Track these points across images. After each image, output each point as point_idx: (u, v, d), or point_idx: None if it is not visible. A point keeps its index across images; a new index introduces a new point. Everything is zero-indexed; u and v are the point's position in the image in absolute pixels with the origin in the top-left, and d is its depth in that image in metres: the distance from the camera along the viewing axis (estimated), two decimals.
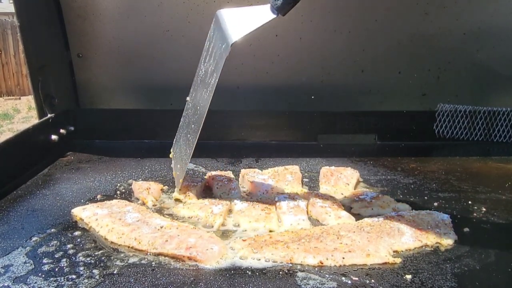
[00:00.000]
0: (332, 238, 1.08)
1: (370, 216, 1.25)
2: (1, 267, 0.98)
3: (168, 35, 1.98)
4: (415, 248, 1.08)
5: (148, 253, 1.04)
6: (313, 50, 2.03)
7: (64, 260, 1.02)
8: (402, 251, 1.07)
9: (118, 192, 1.45)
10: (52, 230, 1.17)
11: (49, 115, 1.81)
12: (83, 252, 1.05)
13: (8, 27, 8.95)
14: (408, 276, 0.96)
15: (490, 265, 1.02)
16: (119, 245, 1.08)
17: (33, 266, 0.99)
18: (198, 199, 1.36)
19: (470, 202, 1.38)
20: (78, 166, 1.70)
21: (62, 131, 1.86)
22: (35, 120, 1.80)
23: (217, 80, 1.16)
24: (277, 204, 1.28)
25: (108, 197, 1.39)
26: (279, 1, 1.09)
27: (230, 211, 1.27)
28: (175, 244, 1.04)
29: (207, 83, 1.21)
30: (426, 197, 1.42)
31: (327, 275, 0.97)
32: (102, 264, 1.00)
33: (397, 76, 2.10)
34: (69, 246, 1.08)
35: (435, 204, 1.37)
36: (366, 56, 2.05)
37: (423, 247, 1.09)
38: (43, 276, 0.95)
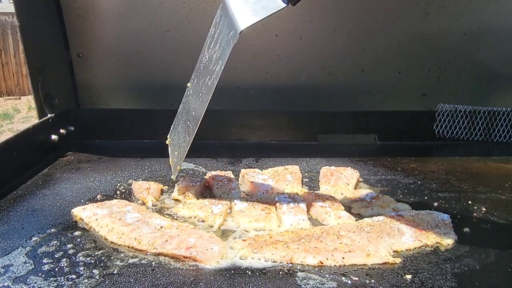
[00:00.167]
0: (332, 238, 1.08)
1: (370, 216, 1.25)
2: (1, 267, 0.98)
3: (168, 35, 1.98)
4: (415, 248, 1.08)
5: (148, 253, 1.04)
6: (313, 50, 2.03)
7: (64, 260, 1.02)
8: (402, 251, 1.07)
9: (118, 192, 1.45)
10: (52, 230, 1.17)
11: (49, 115, 1.81)
12: (83, 252, 1.05)
13: (8, 27, 8.95)
14: (408, 276, 0.96)
15: (490, 265, 1.02)
16: (119, 245, 1.08)
17: (33, 266, 0.99)
18: (198, 199, 1.36)
19: (470, 202, 1.38)
20: (78, 166, 1.70)
21: (62, 131, 1.86)
22: (35, 120, 1.80)
23: (222, 67, 1.12)
24: (277, 204, 1.28)
25: (108, 197, 1.39)
26: None
27: (230, 211, 1.27)
28: (175, 244, 1.04)
29: (212, 70, 1.18)
30: (426, 197, 1.42)
31: (327, 275, 0.97)
32: (102, 264, 1.00)
33: (397, 76, 2.10)
34: (69, 246, 1.08)
35: (435, 204, 1.37)
36: (366, 56, 2.05)
37: (423, 247, 1.09)
38: (43, 276, 0.95)
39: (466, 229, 1.18)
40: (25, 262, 1.01)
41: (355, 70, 2.08)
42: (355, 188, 1.49)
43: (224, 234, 1.16)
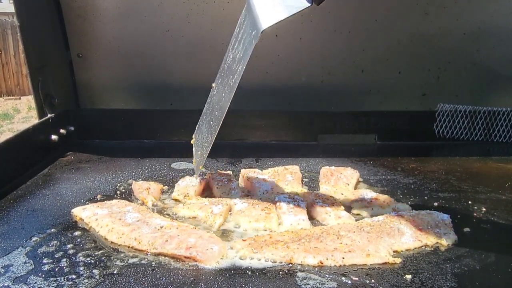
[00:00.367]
0: (332, 238, 1.08)
1: (370, 216, 1.25)
2: (1, 267, 0.98)
3: (168, 35, 1.98)
4: (415, 248, 1.08)
5: (148, 253, 1.04)
6: (313, 50, 2.03)
7: (64, 260, 1.02)
8: (402, 251, 1.07)
9: (118, 192, 1.45)
10: (52, 230, 1.17)
11: (49, 115, 1.81)
12: (83, 252, 1.05)
13: (8, 27, 8.95)
14: (408, 276, 0.96)
15: (490, 265, 1.02)
16: (119, 245, 1.08)
17: (33, 266, 0.99)
18: (198, 199, 1.36)
19: (470, 202, 1.38)
20: (78, 166, 1.70)
21: (62, 131, 1.86)
22: (35, 120, 1.80)
23: (244, 67, 1.12)
24: (277, 204, 1.28)
25: (108, 197, 1.39)
26: None
27: (230, 211, 1.27)
28: (175, 244, 1.04)
29: (234, 69, 1.18)
30: (426, 197, 1.42)
31: (327, 275, 0.97)
32: (102, 264, 1.00)
33: (397, 76, 2.10)
34: (69, 246, 1.08)
35: (435, 204, 1.37)
36: (366, 56, 2.05)
37: (423, 247, 1.09)
38: (43, 276, 0.95)
39: (466, 229, 1.18)
40: (25, 262, 1.01)
41: (355, 70, 2.08)
42: (355, 188, 1.49)
43: (224, 234, 1.16)
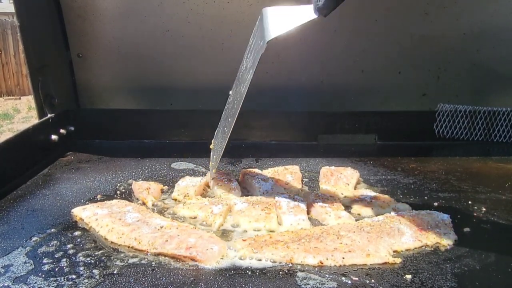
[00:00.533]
0: (332, 238, 1.08)
1: (370, 216, 1.25)
2: (1, 267, 0.98)
3: (168, 35, 1.98)
4: (415, 248, 1.08)
5: (148, 253, 1.04)
6: (313, 50, 2.03)
7: (64, 260, 1.02)
8: (402, 251, 1.07)
9: (118, 192, 1.45)
10: (52, 230, 1.17)
11: (49, 115, 1.81)
12: (83, 252, 1.05)
13: (8, 27, 8.95)
14: (408, 276, 0.96)
15: (490, 265, 1.02)
16: (119, 245, 1.08)
17: (33, 266, 0.99)
18: (198, 199, 1.36)
19: (470, 202, 1.38)
20: (78, 166, 1.70)
21: (62, 131, 1.86)
22: (35, 120, 1.80)
23: (252, 76, 1.18)
24: (277, 204, 1.28)
25: (108, 197, 1.39)
26: (320, 1, 1.07)
27: (230, 211, 1.27)
28: (175, 244, 1.04)
29: (245, 78, 1.23)
30: (426, 197, 1.42)
31: (327, 275, 0.97)
32: (102, 264, 1.00)
33: (397, 76, 2.10)
34: (69, 246, 1.08)
35: (435, 204, 1.37)
36: (366, 56, 2.04)
37: (423, 247, 1.09)
38: (43, 276, 0.95)
39: (466, 229, 1.18)
40: (25, 262, 1.01)
41: (355, 70, 2.08)
42: (355, 188, 1.49)
43: (224, 234, 1.16)
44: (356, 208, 1.31)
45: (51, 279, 0.94)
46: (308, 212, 1.28)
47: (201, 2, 1.91)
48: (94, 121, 2.04)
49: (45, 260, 1.01)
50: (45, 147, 1.75)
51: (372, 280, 0.95)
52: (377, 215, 1.25)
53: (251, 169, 1.58)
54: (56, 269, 0.98)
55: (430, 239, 1.11)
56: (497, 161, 1.82)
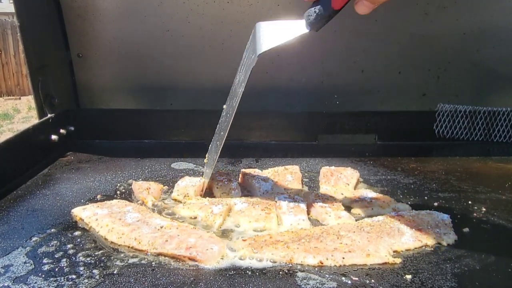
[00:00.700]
0: (332, 238, 1.08)
1: (370, 216, 1.25)
2: (1, 267, 0.98)
3: (168, 35, 1.98)
4: (415, 248, 1.08)
5: (148, 253, 1.04)
6: (313, 50, 2.03)
7: (64, 260, 1.02)
8: (402, 251, 1.07)
9: (118, 192, 1.45)
10: (52, 230, 1.17)
11: (49, 115, 1.81)
12: (83, 252, 1.05)
13: (8, 27, 8.96)
14: (408, 276, 0.96)
15: (490, 265, 1.02)
16: (119, 245, 1.08)
17: (33, 266, 0.99)
18: (198, 199, 1.36)
19: (470, 202, 1.38)
20: (78, 166, 1.70)
21: (62, 131, 1.86)
22: (35, 120, 1.80)
23: (243, 89, 1.20)
24: (277, 204, 1.28)
25: (108, 197, 1.39)
26: (312, 16, 1.09)
27: (230, 211, 1.27)
28: (175, 244, 1.04)
29: (237, 92, 1.25)
30: (426, 197, 1.42)
31: (327, 275, 0.97)
32: (102, 264, 1.00)
33: (397, 76, 2.10)
34: (69, 246, 1.08)
35: (435, 204, 1.37)
36: (366, 56, 2.05)
37: (423, 247, 1.09)
38: (43, 276, 0.95)
39: (466, 229, 1.18)
40: (25, 262, 1.01)
41: (355, 70, 2.08)
42: (355, 188, 1.49)
43: (224, 234, 1.16)
44: (356, 208, 1.31)
45: (51, 279, 0.94)
46: (308, 212, 1.28)
47: (201, 2, 1.91)
48: (94, 121, 2.04)
49: (45, 260, 1.01)
50: (45, 147, 1.75)
51: (372, 280, 0.95)
52: (377, 215, 1.25)
53: (251, 169, 1.58)
54: (56, 269, 0.98)
55: (430, 239, 1.11)
56: (497, 161, 1.82)
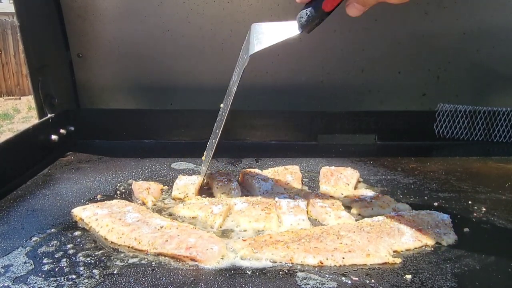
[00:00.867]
0: (332, 238, 1.08)
1: (370, 216, 1.25)
2: (1, 267, 0.98)
3: (168, 35, 1.98)
4: (415, 248, 1.08)
5: (148, 253, 1.04)
6: (313, 50, 2.03)
7: (64, 260, 1.02)
8: (402, 251, 1.07)
9: (118, 192, 1.45)
10: (52, 230, 1.17)
11: (49, 115, 1.81)
12: (83, 252, 1.05)
13: (8, 27, 8.96)
14: (408, 276, 0.96)
15: (490, 265, 1.02)
16: (119, 245, 1.08)
17: (33, 266, 0.99)
18: (198, 199, 1.36)
19: (470, 202, 1.38)
20: (78, 166, 1.70)
21: (62, 131, 1.86)
22: (35, 120, 1.80)
23: (235, 89, 1.23)
24: (277, 204, 1.28)
25: (108, 197, 1.39)
26: (303, 18, 1.11)
27: (230, 211, 1.27)
28: (175, 244, 1.04)
29: (231, 91, 1.29)
30: (426, 197, 1.42)
31: (327, 275, 0.97)
32: (102, 264, 1.00)
33: (397, 76, 2.10)
34: (69, 246, 1.08)
35: (435, 204, 1.37)
36: (366, 56, 2.05)
37: (423, 247, 1.09)
38: (43, 276, 0.95)
39: (466, 229, 1.18)
40: (25, 262, 1.01)
41: (355, 70, 2.08)
42: (355, 188, 1.49)
43: (224, 234, 1.16)
44: (356, 208, 1.31)
45: (51, 279, 0.94)
46: (308, 212, 1.28)
47: (201, 2, 1.91)
48: (94, 121, 2.04)
49: (45, 260, 1.01)
50: (45, 147, 1.75)
51: (372, 280, 0.95)
52: (377, 215, 1.24)
53: (251, 169, 1.59)
54: (56, 269, 0.98)
55: (430, 239, 1.11)
56: (497, 161, 1.82)
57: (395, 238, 1.10)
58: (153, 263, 1.01)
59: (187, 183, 1.43)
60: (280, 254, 1.02)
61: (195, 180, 1.45)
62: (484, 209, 1.33)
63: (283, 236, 1.10)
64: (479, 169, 1.73)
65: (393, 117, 2.07)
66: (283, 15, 1.94)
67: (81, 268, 0.98)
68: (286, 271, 0.98)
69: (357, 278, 0.95)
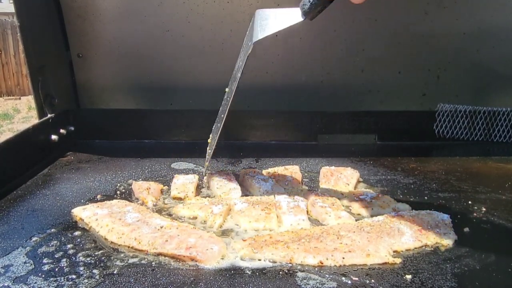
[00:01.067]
0: (332, 238, 1.08)
1: (370, 216, 1.25)
2: (1, 267, 0.98)
3: (168, 35, 1.98)
4: (415, 248, 1.08)
5: (148, 253, 1.04)
6: (313, 50, 2.03)
7: (64, 260, 1.02)
8: (402, 251, 1.07)
9: (118, 192, 1.45)
10: (52, 230, 1.17)
11: (49, 115, 1.81)
12: (83, 252, 1.05)
13: (8, 27, 8.96)
14: (408, 276, 0.96)
15: (490, 265, 1.02)
16: (119, 245, 1.08)
17: (33, 266, 0.99)
18: (198, 199, 1.36)
19: (470, 202, 1.38)
20: (78, 166, 1.70)
21: (62, 131, 1.86)
22: (35, 120, 1.80)
23: (240, 74, 1.25)
24: (277, 204, 1.28)
25: (108, 197, 1.39)
26: (306, 5, 1.12)
27: (230, 211, 1.27)
28: (175, 244, 1.04)
29: (236, 77, 1.30)
30: (426, 197, 1.43)
31: (327, 275, 0.97)
32: (102, 264, 1.00)
33: (397, 76, 2.10)
34: (69, 246, 1.08)
35: (435, 204, 1.37)
36: (366, 56, 2.05)
37: (423, 247, 1.09)
38: (43, 276, 0.95)
39: (466, 229, 1.18)
40: (25, 262, 1.01)
41: (355, 70, 2.08)
42: (355, 188, 1.49)
43: (224, 234, 1.16)
44: (356, 208, 1.31)
45: (51, 279, 0.94)
46: (308, 212, 1.28)
47: (201, 2, 1.91)
48: (94, 121, 2.05)
49: (45, 260, 1.01)
50: (45, 147, 1.75)
51: (372, 280, 0.95)
52: (377, 215, 1.24)
53: (251, 169, 1.58)
54: (56, 269, 0.98)
55: (430, 239, 1.11)
56: (497, 161, 1.82)
57: (395, 238, 1.10)
58: (153, 263, 1.01)
59: (185, 182, 1.43)
60: (280, 254, 1.02)
61: (193, 179, 1.46)
62: (484, 209, 1.33)
63: (283, 236, 1.10)
64: (479, 169, 1.73)
65: (393, 117, 2.07)
66: None
67: (81, 268, 0.98)
68: (286, 271, 0.98)
69: (357, 278, 0.95)
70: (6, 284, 0.92)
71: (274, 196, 1.34)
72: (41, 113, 1.81)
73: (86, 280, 0.94)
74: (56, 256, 1.03)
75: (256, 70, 2.05)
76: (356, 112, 2.07)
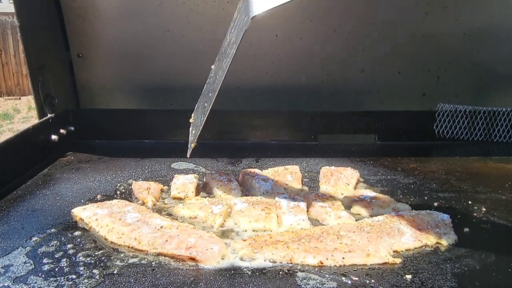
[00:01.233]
0: (332, 238, 1.08)
1: (370, 216, 1.25)
2: (1, 267, 0.98)
3: (168, 35, 1.98)
4: (415, 248, 1.08)
5: (148, 253, 1.04)
6: (313, 50, 2.03)
7: (64, 260, 1.02)
8: (402, 251, 1.07)
9: (118, 192, 1.45)
10: (52, 230, 1.17)
11: (49, 115, 1.81)
12: (83, 252, 1.05)
13: (8, 27, 8.95)
14: (408, 276, 0.96)
15: (490, 265, 1.02)
16: (119, 245, 1.08)
17: (33, 266, 0.99)
18: (198, 199, 1.36)
19: (470, 202, 1.38)
20: (78, 166, 1.70)
21: (62, 131, 1.86)
22: (35, 120, 1.80)
23: (235, 51, 1.14)
24: (277, 204, 1.28)
25: (108, 197, 1.39)
26: None
27: (230, 211, 1.27)
28: (175, 244, 1.04)
29: (228, 53, 1.20)
30: (426, 197, 1.42)
31: (327, 275, 0.97)
32: (102, 264, 1.00)
33: (397, 76, 2.10)
34: (69, 246, 1.08)
35: (435, 204, 1.37)
36: (366, 56, 2.05)
37: (423, 247, 1.09)
38: (43, 276, 0.95)
39: (466, 229, 1.18)
40: (25, 262, 1.01)
41: (355, 70, 2.08)
42: (355, 188, 1.49)
43: (224, 234, 1.16)
44: (356, 208, 1.31)
45: (51, 279, 0.94)
46: (308, 212, 1.28)
47: (201, 2, 1.91)
48: (94, 121, 2.04)
49: (45, 260, 1.01)
50: (45, 147, 1.75)
51: (372, 280, 0.95)
52: (377, 215, 1.24)
53: (251, 169, 1.58)
54: (56, 269, 0.98)
55: (430, 239, 1.11)
56: (497, 161, 1.82)
57: (395, 238, 1.10)
58: (153, 263, 1.01)
59: (185, 182, 1.43)
60: (280, 254, 1.02)
61: (193, 179, 1.45)
62: (484, 209, 1.33)
63: (283, 236, 1.10)
64: (479, 169, 1.73)
65: (393, 117, 2.07)
66: (283, 15, 1.94)
67: (81, 268, 0.98)
68: (286, 271, 0.98)
69: (357, 278, 0.95)
70: (6, 284, 0.92)
71: (274, 196, 1.34)
72: (41, 113, 1.81)
73: (86, 280, 0.94)
74: (56, 256, 1.03)
75: (256, 70, 2.05)
76: (356, 112, 2.07)
